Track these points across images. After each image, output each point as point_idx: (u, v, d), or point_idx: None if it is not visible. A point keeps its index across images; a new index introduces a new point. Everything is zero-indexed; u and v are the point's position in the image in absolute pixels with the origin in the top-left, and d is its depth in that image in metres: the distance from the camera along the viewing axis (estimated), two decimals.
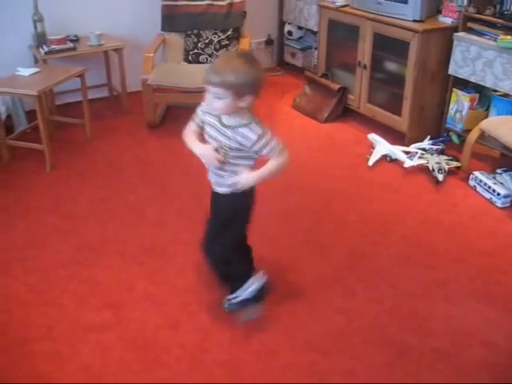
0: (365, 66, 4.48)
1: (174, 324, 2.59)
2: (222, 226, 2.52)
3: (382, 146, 4.09)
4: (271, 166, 2.29)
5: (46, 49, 4.33)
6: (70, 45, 4.44)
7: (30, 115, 4.23)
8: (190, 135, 2.45)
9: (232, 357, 2.43)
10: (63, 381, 2.31)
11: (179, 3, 4.75)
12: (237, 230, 2.53)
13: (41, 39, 4.41)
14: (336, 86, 4.70)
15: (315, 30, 5.17)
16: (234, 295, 2.64)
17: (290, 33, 5.70)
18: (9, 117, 4.29)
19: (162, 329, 2.57)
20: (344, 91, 4.72)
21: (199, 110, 2.42)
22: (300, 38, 5.73)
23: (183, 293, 2.79)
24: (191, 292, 2.80)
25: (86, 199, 3.58)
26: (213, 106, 2.23)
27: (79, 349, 2.47)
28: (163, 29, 4.80)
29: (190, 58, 4.74)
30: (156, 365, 2.39)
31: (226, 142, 2.27)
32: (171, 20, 4.78)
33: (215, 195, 2.50)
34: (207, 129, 2.38)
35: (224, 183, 2.40)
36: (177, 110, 4.86)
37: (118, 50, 4.60)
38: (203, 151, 2.36)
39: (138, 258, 3.04)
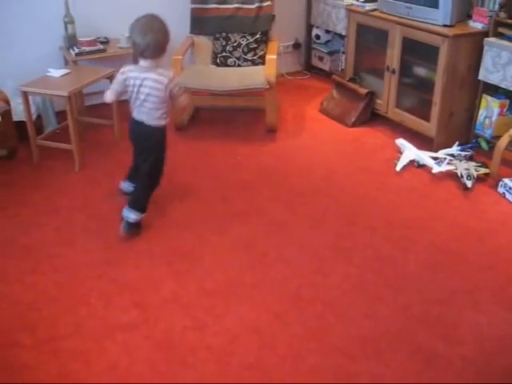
0: (393, 71, 4.45)
1: (201, 326, 2.60)
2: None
3: (409, 152, 4.06)
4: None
5: (76, 50, 4.38)
6: (100, 46, 4.49)
7: (60, 116, 4.29)
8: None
9: (259, 360, 2.43)
10: (91, 379, 2.33)
11: (208, 6, 4.77)
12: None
13: (71, 41, 4.47)
14: (364, 91, 4.68)
15: (343, 33, 5.17)
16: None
17: (317, 36, 5.70)
18: (39, 117, 4.34)
19: (189, 330, 2.58)
20: (372, 96, 4.70)
21: None
22: (328, 41, 5.72)
23: (210, 295, 2.80)
24: (218, 294, 2.81)
25: (114, 199, 3.60)
26: None
27: (107, 347, 2.49)
28: (192, 31, 4.83)
29: (218, 60, 4.76)
30: (182, 366, 2.40)
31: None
32: (200, 23, 4.80)
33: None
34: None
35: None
36: (205, 112, 4.89)
37: None
38: None
39: (166, 259, 3.06)
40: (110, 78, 4.18)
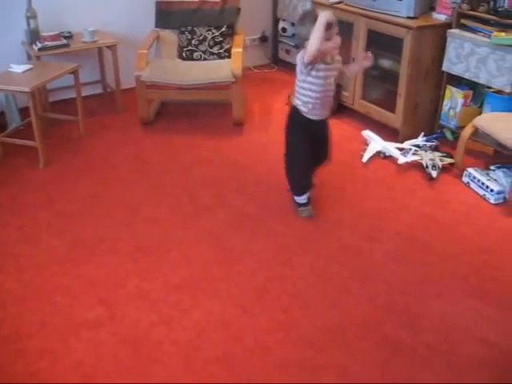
0: None
1: (167, 321, 2.59)
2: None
3: (375, 143, 4.09)
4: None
5: (39, 45, 4.31)
6: (64, 41, 4.42)
7: (24, 112, 4.21)
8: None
9: (226, 353, 2.43)
10: (57, 378, 2.31)
11: (173, 0, 4.74)
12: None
13: (34, 36, 4.39)
14: None
15: None
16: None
17: (284, 30, 5.70)
18: (2, 114, 4.28)
19: (155, 326, 2.56)
20: (338, 88, 4.71)
21: None
22: (294, 34, 5.71)
23: (176, 290, 2.79)
24: (184, 289, 2.79)
25: (80, 196, 3.57)
26: (338, 44, 3.00)
27: (72, 345, 2.46)
28: (157, 25, 4.80)
29: (183, 54, 4.73)
30: (149, 361, 2.38)
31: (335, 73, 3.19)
32: (165, 17, 4.77)
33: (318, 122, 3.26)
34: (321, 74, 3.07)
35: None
36: (171, 107, 4.86)
37: (111, 47, 4.58)
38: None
39: (132, 255, 3.04)
40: (74, 73, 4.13)
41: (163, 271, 2.92)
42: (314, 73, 3.03)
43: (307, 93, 3.11)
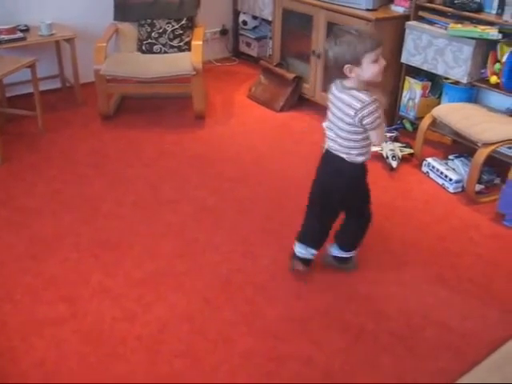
0: (319, 55, 4.50)
1: (130, 316, 2.57)
2: None
3: None
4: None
5: None
6: (20, 35, 4.33)
7: None
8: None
9: (190, 347, 2.42)
10: (18, 377, 2.27)
11: None
12: None
13: None
14: (291, 75, 4.71)
15: (270, 19, 5.16)
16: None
17: (244, 22, 5.69)
18: None
19: (118, 321, 2.54)
20: (299, 80, 4.74)
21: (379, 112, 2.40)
22: (255, 27, 5.72)
23: (139, 284, 2.77)
24: (147, 283, 2.78)
25: (40, 192, 3.51)
26: (382, 67, 2.36)
27: (34, 343, 2.43)
28: (116, 18, 4.73)
29: (143, 47, 4.68)
30: (112, 357, 2.36)
31: None
32: (124, 9, 4.71)
33: None
34: None
35: None
36: (131, 101, 4.81)
37: (69, 40, 4.51)
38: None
39: (94, 251, 3.00)
40: (31, 67, 4.06)
41: (126, 266, 2.90)
42: None
43: (367, 142, 2.52)
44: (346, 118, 2.41)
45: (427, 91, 4.18)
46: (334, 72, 2.40)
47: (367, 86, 2.40)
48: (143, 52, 4.69)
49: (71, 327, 2.51)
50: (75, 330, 2.49)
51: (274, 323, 2.55)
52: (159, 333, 2.49)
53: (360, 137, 2.46)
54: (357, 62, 2.31)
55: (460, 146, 3.92)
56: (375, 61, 2.32)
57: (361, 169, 2.62)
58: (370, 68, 2.31)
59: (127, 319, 2.56)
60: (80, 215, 3.30)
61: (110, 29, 4.64)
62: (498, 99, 3.90)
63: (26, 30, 4.51)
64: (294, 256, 2.84)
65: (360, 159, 2.55)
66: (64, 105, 4.74)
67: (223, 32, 5.85)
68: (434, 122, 3.82)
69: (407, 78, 4.22)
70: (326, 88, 4.54)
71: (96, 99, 4.42)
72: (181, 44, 4.67)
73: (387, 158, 3.84)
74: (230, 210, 3.38)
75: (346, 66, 2.32)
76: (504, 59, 3.59)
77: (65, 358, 2.37)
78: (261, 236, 3.16)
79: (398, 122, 4.38)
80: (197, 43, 4.46)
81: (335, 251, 2.86)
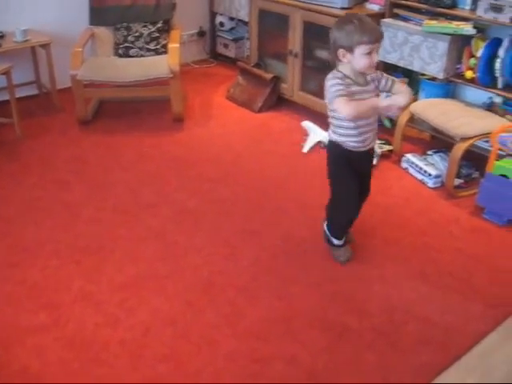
0: (296, 55, 4.51)
1: (113, 321, 2.56)
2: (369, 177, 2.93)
3: (315, 133, 4.13)
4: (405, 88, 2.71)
5: None
6: None
7: None
8: (353, 103, 2.52)
9: (173, 350, 2.41)
10: None
11: None
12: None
13: None
14: (269, 76, 4.72)
15: (246, 20, 5.17)
16: None
17: (221, 24, 5.68)
18: None
19: (101, 327, 2.53)
20: (277, 80, 4.74)
21: (340, 87, 2.53)
22: (232, 28, 5.72)
23: (121, 289, 2.76)
24: (129, 288, 2.76)
25: (19, 200, 3.48)
26: (374, 62, 2.50)
27: (16, 352, 2.40)
28: (91, 22, 4.70)
29: (120, 51, 4.66)
30: (96, 363, 2.35)
31: (371, 96, 2.60)
32: (100, 13, 4.69)
33: (364, 154, 2.76)
34: (355, 97, 2.55)
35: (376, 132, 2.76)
36: (109, 105, 4.79)
37: (45, 46, 4.47)
38: (390, 101, 2.55)
39: (74, 257, 2.98)
40: (6, 73, 4.02)
41: (107, 271, 2.88)
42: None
43: (342, 123, 2.65)
44: None
45: None
46: (331, 53, 2.60)
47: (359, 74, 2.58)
48: (120, 56, 4.66)
49: (53, 334, 2.49)
50: (57, 337, 2.48)
51: (256, 324, 2.55)
52: (142, 337, 2.48)
53: (331, 114, 2.66)
54: (350, 50, 2.48)
55: (438, 142, 3.95)
56: (368, 54, 2.46)
57: (333, 148, 2.78)
58: (362, 59, 2.47)
59: (110, 324, 2.54)
60: (60, 222, 3.28)
61: (85, 33, 4.61)
62: (474, 94, 3.94)
63: (1, 36, 4.46)
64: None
65: (334, 137, 2.73)
66: (41, 111, 4.71)
67: (200, 34, 5.84)
68: (412, 118, 3.84)
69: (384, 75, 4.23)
70: (304, 87, 4.57)
71: (74, 104, 4.39)
72: (158, 47, 4.66)
73: None
74: (211, 212, 3.37)
75: (340, 50, 2.50)
76: (479, 54, 3.63)
77: (48, 365, 2.35)
78: (241, 237, 3.15)
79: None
80: (173, 46, 4.45)
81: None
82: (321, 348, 2.44)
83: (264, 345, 2.45)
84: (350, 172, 2.77)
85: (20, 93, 4.53)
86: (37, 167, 3.85)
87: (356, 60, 2.49)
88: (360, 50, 2.46)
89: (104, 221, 3.29)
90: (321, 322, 2.57)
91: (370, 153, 2.83)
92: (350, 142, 2.68)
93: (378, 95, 2.68)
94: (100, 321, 2.56)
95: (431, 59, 3.80)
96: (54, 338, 2.48)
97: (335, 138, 2.72)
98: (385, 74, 2.68)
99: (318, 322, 2.57)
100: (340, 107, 2.51)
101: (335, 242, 2.98)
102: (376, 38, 2.46)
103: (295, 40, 4.48)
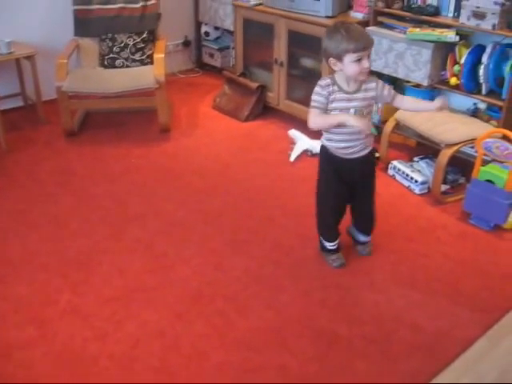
0: (281, 64, 4.52)
1: (102, 334, 2.54)
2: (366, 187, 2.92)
3: (302, 142, 4.14)
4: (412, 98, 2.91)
5: None
6: None
7: None
8: (323, 116, 2.64)
9: (163, 362, 2.40)
10: None
11: (92, 7, 4.65)
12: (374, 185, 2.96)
13: None
14: (254, 85, 4.73)
15: (231, 29, 5.18)
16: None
17: (207, 33, 5.69)
18: None
19: (89, 340, 2.51)
20: (263, 89, 4.75)
21: (322, 93, 2.62)
22: (217, 38, 5.73)
23: (109, 302, 2.74)
24: (118, 300, 2.75)
25: (4, 213, 3.45)
26: (365, 68, 2.53)
27: (3, 368, 2.38)
28: (76, 34, 4.69)
29: (105, 62, 4.65)
30: (85, 377, 2.33)
31: (359, 104, 2.63)
32: (84, 24, 4.68)
33: (352, 162, 2.77)
34: (336, 105, 2.63)
35: (366, 143, 2.76)
36: (95, 116, 4.77)
37: (30, 58, 4.45)
38: (358, 120, 2.56)
39: (61, 270, 2.96)
40: None
41: (95, 284, 2.86)
42: (332, 105, 2.63)
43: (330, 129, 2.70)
44: None
45: None
46: (325, 61, 2.63)
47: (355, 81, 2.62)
48: (105, 67, 4.66)
49: (41, 349, 2.47)
50: (46, 352, 2.45)
51: (246, 334, 2.55)
52: (132, 350, 2.46)
53: None
54: (339, 58, 2.53)
55: (424, 148, 3.97)
56: (357, 61, 2.50)
57: (322, 150, 2.85)
58: (351, 66, 2.52)
59: (99, 338, 2.52)
60: (47, 235, 3.26)
61: (70, 44, 4.60)
62: (458, 100, 3.97)
63: None
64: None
65: (324, 142, 2.80)
66: (27, 123, 4.68)
67: (186, 43, 5.84)
68: (398, 125, 3.86)
69: None
70: (290, 96, 4.59)
71: (59, 116, 4.37)
72: (143, 58, 4.66)
73: None
74: (199, 223, 3.36)
75: (331, 58, 2.55)
76: (462, 61, 3.66)
77: (36, 379, 2.32)
78: (230, 247, 3.15)
79: None
80: (159, 56, 4.45)
81: None
82: (311, 356, 2.44)
83: (254, 355, 2.44)
84: (334, 175, 2.83)
85: (5, 105, 4.52)
86: (22, 180, 3.83)
87: (346, 68, 2.54)
88: (348, 58, 2.50)
89: (91, 233, 3.27)
90: (311, 331, 2.57)
91: (361, 163, 2.80)
92: (333, 147, 2.76)
93: (370, 104, 2.71)
94: (88, 334, 2.54)
95: (416, 66, 3.83)
96: (42, 352, 2.45)
97: (323, 141, 2.81)
98: (387, 85, 2.71)
99: (308, 331, 2.57)
100: (309, 117, 2.66)
101: (327, 245, 2.99)
102: (364, 46, 2.50)
103: (280, 49, 4.49)
